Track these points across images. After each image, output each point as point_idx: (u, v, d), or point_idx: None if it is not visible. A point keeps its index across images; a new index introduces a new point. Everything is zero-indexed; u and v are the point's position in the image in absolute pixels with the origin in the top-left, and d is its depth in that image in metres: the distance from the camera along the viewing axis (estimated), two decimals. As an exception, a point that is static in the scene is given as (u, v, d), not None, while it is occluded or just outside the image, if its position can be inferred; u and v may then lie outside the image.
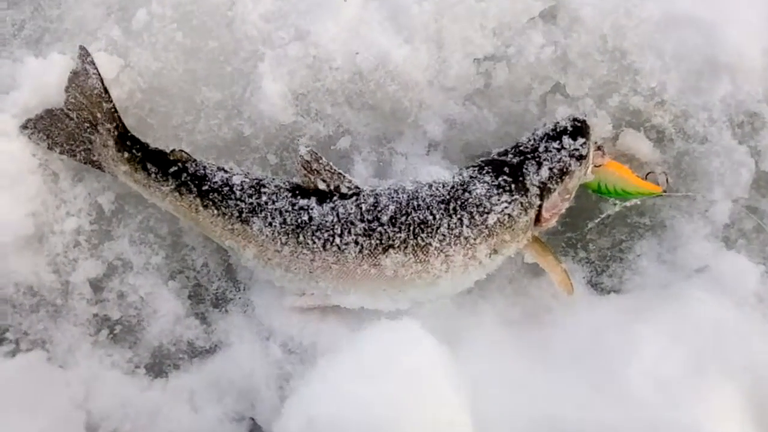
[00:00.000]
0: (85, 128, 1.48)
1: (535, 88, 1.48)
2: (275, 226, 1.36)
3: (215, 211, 1.40)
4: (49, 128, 1.48)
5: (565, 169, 1.35)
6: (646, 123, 1.47)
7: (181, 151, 1.45)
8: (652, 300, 1.39)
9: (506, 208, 1.33)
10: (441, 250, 1.32)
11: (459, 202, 1.33)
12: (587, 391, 1.24)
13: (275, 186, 1.40)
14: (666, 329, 1.30)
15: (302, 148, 1.42)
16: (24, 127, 1.48)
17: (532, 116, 1.49)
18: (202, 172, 1.42)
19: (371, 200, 1.35)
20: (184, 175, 1.42)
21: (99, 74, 1.46)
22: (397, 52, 1.45)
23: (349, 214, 1.34)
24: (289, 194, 1.38)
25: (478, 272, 1.38)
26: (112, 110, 1.46)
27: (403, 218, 1.32)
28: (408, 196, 1.34)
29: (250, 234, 1.37)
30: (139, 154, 1.44)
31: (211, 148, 1.53)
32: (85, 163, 1.50)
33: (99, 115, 1.46)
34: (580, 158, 1.35)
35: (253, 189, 1.39)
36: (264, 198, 1.38)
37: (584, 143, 1.36)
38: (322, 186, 1.39)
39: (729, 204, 1.40)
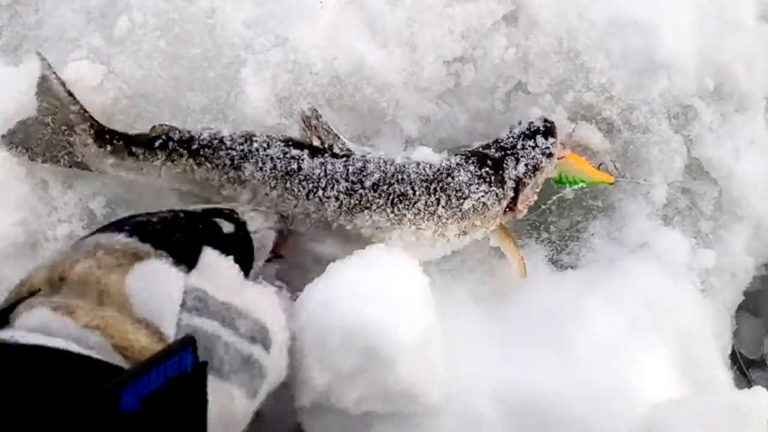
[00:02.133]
0: (63, 131, 1.54)
1: (500, 87, 1.68)
2: (266, 170, 1.46)
3: (209, 165, 1.48)
4: (26, 139, 1.54)
5: (537, 166, 1.56)
6: (597, 116, 1.69)
7: (162, 125, 1.52)
8: (602, 274, 1.64)
9: (483, 197, 1.52)
10: (413, 223, 1.49)
11: (440, 185, 1.50)
12: (544, 357, 1.48)
13: (267, 137, 1.51)
14: (611, 300, 1.55)
15: (306, 105, 1.56)
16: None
17: (497, 113, 1.69)
18: (188, 135, 1.50)
19: (359, 164, 1.49)
20: (171, 143, 1.49)
21: (59, 78, 1.52)
22: (373, 56, 1.61)
23: (336, 172, 1.47)
24: (282, 144, 1.50)
25: (444, 248, 1.57)
26: (81, 111, 1.52)
27: (385, 187, 1.47)
28: (395, 169, 1.50)
29: (243, 178, 1.47)
30: (121, 142, 1.51)
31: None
32: (70, 166, 1.57)
33: (72, 116, 1.53)
34: (550, 156, 1.57)
35: (243, 139, 1.50)
36: (255, 145, 1.49)
37: (554, 142, 1.57)
38: (316, 143, 1.51)
39: (666, 187, 1.66)
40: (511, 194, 1.55)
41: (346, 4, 1.62)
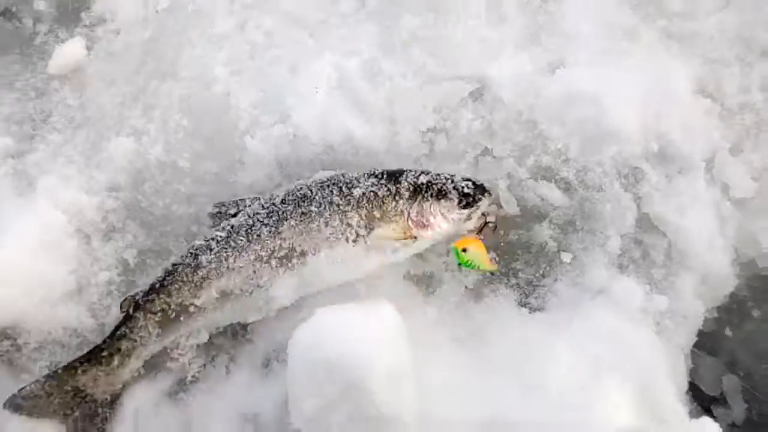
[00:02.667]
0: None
1: (469, 152, 1.96)
2: (215, 249, 1.81)
3: (176, 286, 1.81)
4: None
5: (443, 194, 1.81)
6: (556, 176, 1.95)
7: (126, 298, 1.84)
8: (566, 317, 1.85)
9: (373, 185, 1.80)
10: (320, 215, 1.79)
11: (332, 182, 1.83)
12: (516, 392, 1.71)
13: (204, 240, 1.84)
14: (575, 342, 1.77)
15: (209, 208, 1.92)
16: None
17: (468, 174, 1.96)
18: (150, 284, 1.83)
19: (267, 196, 1.87)
20: (140, 300, 1.81)
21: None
22: (360, 129, 1.94)
23: (255, 211, 1.84)
24: (216, 233, 1.84)
25: (362, 246, 1.80)
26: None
27: (290, 197, 1.82)
28: (295, 187, 1.85)
29: (201, 265, 1.81)
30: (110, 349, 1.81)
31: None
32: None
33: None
34: (466, 206, 1.82)
35: (189, 252, 1.84)
36: (197, 244, 1.84)
37: (477, 203, 1.83)
38: (233, 211, 1.88)
39: (619, 239, 1.88)
40: (408, 198, 1.81)
41: (337, 88, 1.96)
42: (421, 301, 1.95)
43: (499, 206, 1.96)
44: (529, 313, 1.95)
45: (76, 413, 1.80)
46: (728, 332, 2.04)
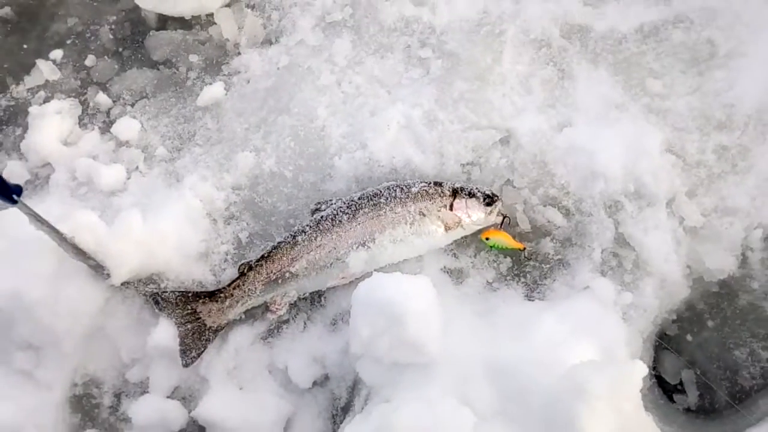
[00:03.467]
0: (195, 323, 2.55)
1: (495, 182, 2.70)
2: (308, 232, 2.54)
3: (278, 255, 2.54)
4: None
5: (472, 195, 2.56)
6: (559, 203, 2.66)
7: (243, 263, 2.57)
8: (558, 304, 2.52)
9: (424, 187, 2.56)
10: (386, 205, 2.52)
11: (396, 185, 2.58)
12: (515, 343, 2.35)
13: (301, 225, 2.59)
14: (560, 317, 2.42)
15: (311, 205, 2.66)
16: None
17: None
18: (259, 255, 2.56)
19: (348, 197, 2.60)
20: (252, 263, 2.55)
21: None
22: (417, 158, 2.70)
23: (339, 206, 2.56)
24: (310, 221, 2.58)
25: (415, 228, 2.53)
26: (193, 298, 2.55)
27: (365, 195, 2.56)
28: (368, 190, 2.60)
29: (297, 244, 2.54)
30: (227, 290, 2.54)
31: (305, 207, 2.72)
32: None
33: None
34: (488, 204, 2.55)
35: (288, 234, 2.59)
36: (299, 230, 2.57)
37: (495, 202, 2.57)
38: (323, 208, 2.63)
39: (601, 251, 2.57)
40: (450, 196, 2.54)
41: (403, 128, 2.75)
42: (452, 288, 2.64)
43: (516, 224, 2.67)
44: (531, 301, 2.62)
45: (189, 327, 2.49)
46: (689, 337, 2.64)
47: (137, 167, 2.84)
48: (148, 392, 2.47)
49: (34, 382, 2.42)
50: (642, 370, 2.10)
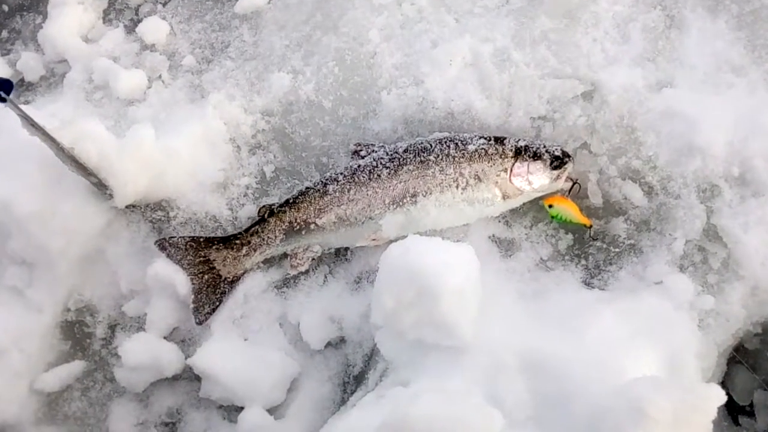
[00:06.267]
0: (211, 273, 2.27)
1: (569, 143, 2.29)
2: (341, 181, 2.20)
3: (303, 204, 2.21)
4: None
5: (538, 156, 2.16)
6: (642, 179, 2.24)
7: (263, 205, 2.26)
8: (621, 296, 2.14)
9: (483, 144, 2.18)
10: (436, 163, 2.15)
11: (449, 139, 2.21)
12: (560, 335, 2.00)
13: (334, 173, 2.25)
14: (621, 312, 2.05)
15: (351, 145, 2.31)
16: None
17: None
18: (284, 199, 2.25)
19: (392, 146, 2.25)
20: (274, 208, 2.23)
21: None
22: (479, 103, 2.31)
23: (380, 156, 2.22)
24: (345, 169, 2.23)
25: (467, 194, 2.16)
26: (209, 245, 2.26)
27: (412, 148, 2.20)
28: (416, 141, 2.24)
29: (327, 193, 2.20)
30: (245, 236, 2.24)
31: (341, 145, 2.39)
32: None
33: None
34: (556, 167, 2.16)
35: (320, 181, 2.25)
36: (329, 174, 2.24)
37: (565, 165, 2.17)
38: (364, 153, 2.28)
39: (684, 242, 2.15)
40: (512, 157, 2.15)
41: (468, 64, 2.34)
42: (498, 260, 2.28)
43: (585, 195, 2.26)
44: (589, 289, 2.24)
45: (203, 279, 2.23)
46: (769, 354, 2.26)
47: (160, 76, 2.55)
48: (143, 330, 2.24)
49: (25, 301, 2.22)
50: (719, 397, 1.73)
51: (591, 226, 2.22)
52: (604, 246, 2.27)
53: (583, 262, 2.27)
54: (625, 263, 2.24)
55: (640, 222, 2.23)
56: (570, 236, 2.28)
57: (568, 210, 2.22)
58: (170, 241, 2.24)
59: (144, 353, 2.14)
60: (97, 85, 2.52)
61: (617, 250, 2.25)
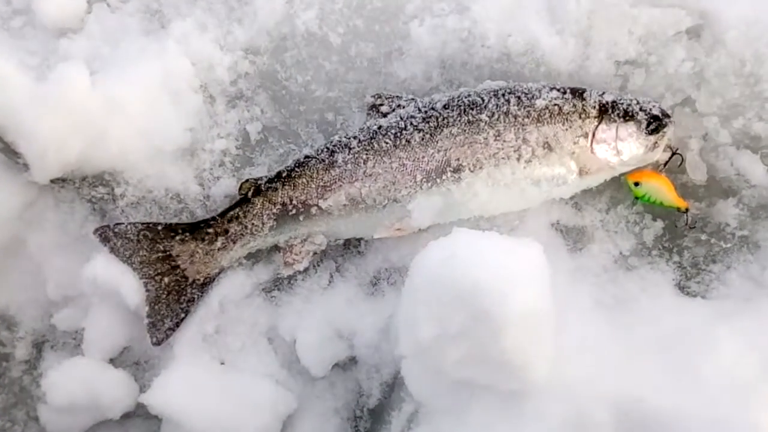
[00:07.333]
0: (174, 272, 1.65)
1: (667, 98, 1.66)
2: (355, 149, 1.59)
3: (301, 180, 1.61)
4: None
5: (630, 116, 1.56)
6: (763, 149, 1.62)
7: (247, 180, 1.64)
8: (734, 309, 1.57)
9: (556, 98, 1.56)
10: (491, 126, 1.54)
11: (509, 90, 1.58)
12: (667, 376, 1.43)
13: (345, 136, 1.63)
14: (744, 336, 1.47)
15: (368, 97, 1.68)
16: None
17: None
18: (275, 172, 1.64)
19: (426, 99, 1.64)
20: (262, 186, 1.62)
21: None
22: (547, 40, 1.64)
23: (409, 113, 1.61)
24: (360, 130, 1.63)
25: (532, 168, 1.55)
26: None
27: (455, 103, 1.58)
28: (462, 93, 1.61)
29: (336, 164, 1.59)
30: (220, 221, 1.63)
31: (354, 97, 1.73)
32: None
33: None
34: (653, 132, 1.56)
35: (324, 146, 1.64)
36: (341, 143, 1.62)
37: (664, 129, 1.57)
38: (386, 109, 1.65)
39: (822, 238, 1.55)
40: (596, 117, 1.55)
41: (533, -15, 1.64)
42: (565, 255, 1.67)
43: (684, 170, 1.64)
44: (687, 296, 1.66)
45: (161, 282, 1.61)
46: None
47: (104, -4, 1.85)
48: (80, 349, 1.61)
49: None
50: None
51: (688, 210, 1.63)
52: (705, 237, 1.67)
53: (677, 258, 1.68)
54: (734, 262, 1.65)
55: (758, 207, 1.64)
56: (659, 224, 1.67)
57: (661, 189, 1.62)
58: (116, 230, 1.61)
59: (79, 387, 1.52)
60: (16, 9, 1.81)
61: (724, 244, 1.66)
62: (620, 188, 1.70)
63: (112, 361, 1.65)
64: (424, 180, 1.56)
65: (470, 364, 1.35)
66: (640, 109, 1.58)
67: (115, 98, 1.61)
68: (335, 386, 1.69)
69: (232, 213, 1.62)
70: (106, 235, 1.62)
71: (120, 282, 1.59)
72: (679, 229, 1.68)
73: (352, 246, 1.73)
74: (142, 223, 1.62)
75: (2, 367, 1.70)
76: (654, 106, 1.59)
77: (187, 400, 1.56)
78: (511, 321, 1.29)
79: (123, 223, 1.62)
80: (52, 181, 1.62)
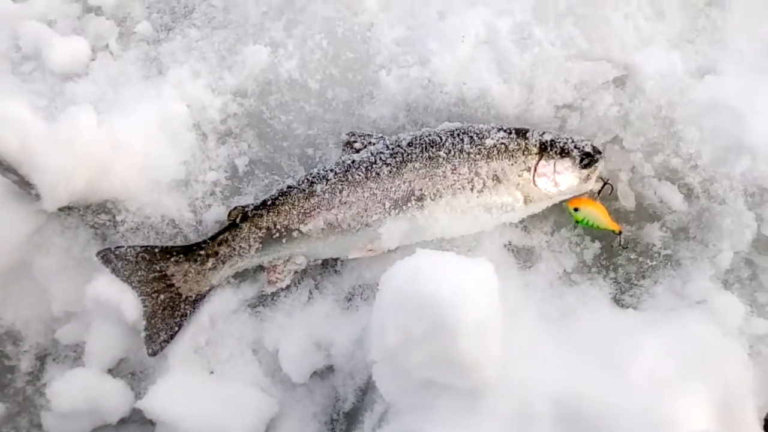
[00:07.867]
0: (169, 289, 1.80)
1: (599, 136, 1.91)
2: (331, 180, 1.78)
3: (284, 207, 1.78)
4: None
5: (566, 153, 1.78)
6: (680, 180, 1.88)
7: (236, 207, 1.81)
8: (660, 319, 1.79)
9: (503, 138, 1.79)
10: (448, 161, 1.75)
11: (463, 131, 1.80)
12: (600, 375, 1.63)
13: (323, 169, 1.82)
14: (665, 342, 1.69)
15: (343, 135, 1.87)
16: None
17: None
18: (261, 200, 1.81)
19: (394, 138, 1.84)
20: (249, 212, 1.79)
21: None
22: (496, 88, 1.89)
23: (379, 150, 1.80)
24: (336, 165, 1.81)
25: (484, 197, 1.76)
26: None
27: (418, 141, 1.79)
28: (423, 132, 1.82)
29: (315, 193, 1.77)
30: (210, 245, 1.79)
31: (331, 134, 1.94)
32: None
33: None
34: (586, 166, 1.79)
35: (305, 178, 1.82)
36: (315, 172, 1.81)
37: (595, 163, 1.80)
38: (359, 146, 1.84)
39: (731, 254, 1.81)
40: (536, 153, 1.78)
41: (483, 42, 1.91)
42: (516, 272, 1.89)
43: (615, 197, 1.89)
44: (621, 308, 1.88)
45: (157, 299, 1.77)
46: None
47: (107, 45, 2.04)
48: (81, 361, 1.75)
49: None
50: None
51: (621, 233, 1.87)
52: (636, 256, 1.90)
53: (612, 274, 1.90)
54: (660, 277, 1.88)
55: (678, 229, 1.88)
56: (597, 244, 1.90)
57: (597, 214, 1.86)
58: (116, 252, 1.76)
59: (80, 394, 1.66)
60: (25, 55, 1.99)
61: (651, 261, 1.89)
62: (563, 213, 1.92)
63: (110, 371, 1.78)
64: (392, 207, 1.76)
65: (431, 366, 1.54)
66: (575, 147, 1.81)
67: (118, 136, 1.79)
68: (314, 392, 1.84)
69: (221, 237, 1.79)
70: (108, 257, 1.77)
71: (120, 299, 1.73)
72: (614, 248, 1.90)
73: (329, 265, 1.91)
74: (141, 247, 1.79)
75: (7, 378, 1.82)
76: (586, 144, 1.83)
77: (180, 405, 1.70)
78: (465, 328, 1.49)
79: (123, 247, 1.78)
80: (59, 209, 1.76)
